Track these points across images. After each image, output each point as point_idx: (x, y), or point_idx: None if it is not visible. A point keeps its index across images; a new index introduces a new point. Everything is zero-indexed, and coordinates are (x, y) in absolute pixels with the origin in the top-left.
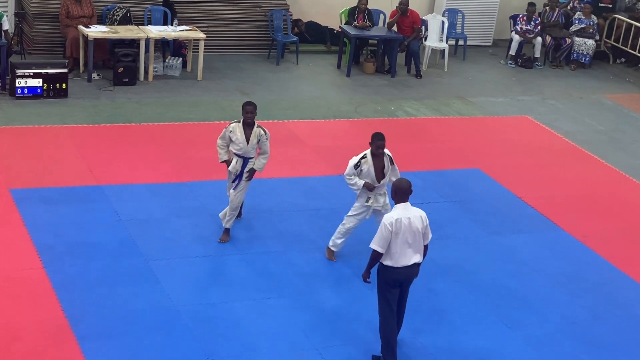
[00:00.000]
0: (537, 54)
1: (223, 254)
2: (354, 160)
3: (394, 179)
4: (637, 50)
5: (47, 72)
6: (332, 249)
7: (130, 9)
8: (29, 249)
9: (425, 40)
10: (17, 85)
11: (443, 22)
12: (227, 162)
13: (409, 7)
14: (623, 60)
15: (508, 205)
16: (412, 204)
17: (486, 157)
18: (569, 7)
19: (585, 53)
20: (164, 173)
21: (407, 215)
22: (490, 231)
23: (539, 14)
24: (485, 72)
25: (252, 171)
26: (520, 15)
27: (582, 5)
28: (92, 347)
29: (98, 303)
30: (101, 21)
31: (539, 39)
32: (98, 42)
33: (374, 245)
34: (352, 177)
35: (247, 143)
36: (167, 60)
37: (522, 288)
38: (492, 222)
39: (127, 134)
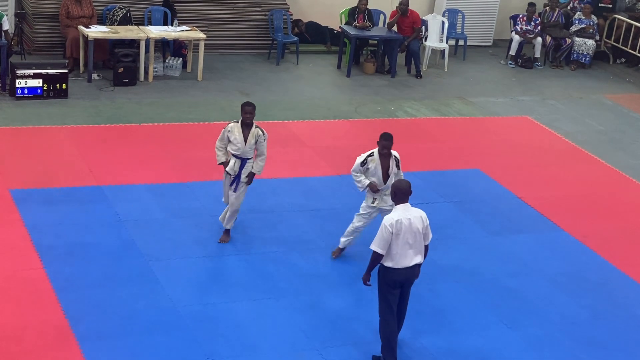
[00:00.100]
0: (537, 54)
1: (223, 254)
2: (362, 157)
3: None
4: (637, 51)
5: (47, 73)
6: (339, 246)
7: (131, 9)
8: (29, 250)
9: (425, 40)
10: (17, 85)
11: (443, 22)
12: (225, 164)
13: (409, 8)
14: (623, 60)
15: (508, 205)
16: (412, 205)
17: (486, 158)
18: (569, 7)
19: (585, 53)
20: (164, 173)
21: (408, 216)
22: (491, 231)
23: (539, 14)
24: (486, 72)
25: (252, 175)
26: (521, 16)
27: (582, 6)
28: (93, 347)
29: (98, 303)
30: (101, 21)
31: (539, 39)
32: (98, 42)
33: (374, 246)
34: (359, 174)
35: (245, 143)
36: (167, 61)
37: (522, 288)
38: (492, 222)
39: (128, 134)
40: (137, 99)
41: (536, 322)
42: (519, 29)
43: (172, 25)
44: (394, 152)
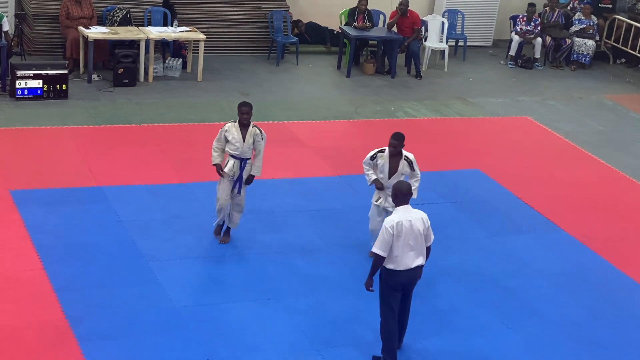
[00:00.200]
0: (537, 55)
1: (223, 255)
2: (374, 151)
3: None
4: (637, 51)
5: (47, 73)
6: None
7: (130, 10)
8: (29, 250)
9: (425, 41)
10: (17, 86)
11: (443, 23)
12: (219, 167)
13: (409, 8)
14: (623, 60)
15: (508, 205)
16: (411, 205)
17: (486, 158)
18: (569, 8)
19: (585, 53)
20: (164, 174)
21: (408, 217)
22: (491, 232)
23: (539, 15)
24: (485, 72)
25: (251, 177)
26: (520, 16)
27: (582, 6)
28: (93, 347)
29: (98, 304)
30: (101, 22)
31: (539, 39)
32: (98, 43)
33: (376, 249)
34: (369, 168)
35: (244, 143)
36: (167, 61)
37: (522, 288)
38: (492, 222)
39: (127, 135)
40: (137, 100)
41: (536, 322)
42: (518, 30)
43: (172, 26)
44: (407, 154)
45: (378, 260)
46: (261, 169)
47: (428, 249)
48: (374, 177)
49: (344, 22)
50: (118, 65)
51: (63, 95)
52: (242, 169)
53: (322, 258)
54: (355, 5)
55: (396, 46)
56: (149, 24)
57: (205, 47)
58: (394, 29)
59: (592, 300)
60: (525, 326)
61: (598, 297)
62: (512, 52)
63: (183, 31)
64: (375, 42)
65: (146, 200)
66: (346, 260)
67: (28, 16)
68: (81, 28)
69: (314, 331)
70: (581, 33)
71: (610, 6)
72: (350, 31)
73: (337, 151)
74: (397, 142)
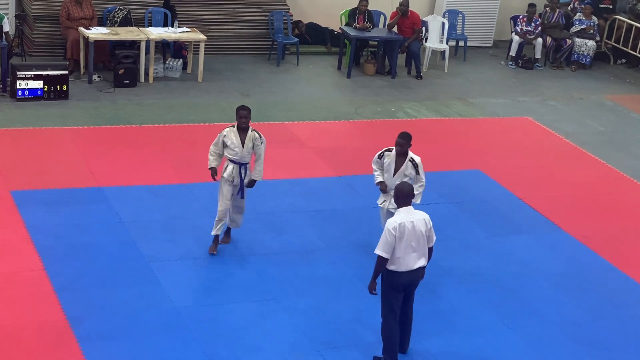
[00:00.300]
0: (538, 55)
1: (224, 255)
2: (382, 150)
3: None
4: (637, 51)
5: (47, 74)
6: None
7: (131, 10)
8: (29, 251)
9: (425, 41)
10: (18, 87)
11: (443, 23)
12: (214, 170)
13: (409, 9)
14: (624, 61)
15: (509, 206)
16: (413, 206)
17: (487, 158)
18: (569, 8)
19: (585, 54)
20: (164, 174)
21: (411, 219)
22: (491, 232)
23: (540, 15)
24: (486, 73)
25: (253, 181)
26: (521, 16)
27: (583, 6)
28: (93, 348)
29: (99, 304)
30: (102, 23)
31: (540, 40)
32: (98, 43)
33: (379, 251)
34: (376, 168)
35: (243, 147)
36: (167, 62)
37: (522, 289)
38: (492, 223)
39: (128, 135)
40: (137, 100)
41: (537, 322)
42: (519, 30)
43: (172, 26)
44: (413, 156)
45: (381, 262)
46: (262, 173)
47: (430, 250)
48: (380, 179)
49: (344, 23)
50: (118, 65)
51: (63, 96)
52: (242, 173)
53: (322, 258)
54: (355, 5)
55: (396, 47)
56: (150, 25)
57: (205, 47)
58: (395, 29)
59: (592, 300)
60: (525, 326)
61: (598, 297)
62: (513, 53)
63: (183, 32)
64: (376, 43)
65: (146, 200)
66: (346, 260)
67: (28, 17)
68: (82, 29)
69: (314, 332)
70: (582, 33)
71: (611, 7)
72: (351, 32)
73: (337, 152)
74: (403, 141)
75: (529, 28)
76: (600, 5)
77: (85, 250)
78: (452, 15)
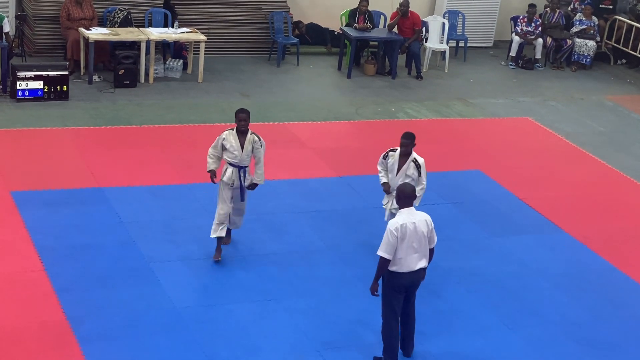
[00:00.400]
0: (538, 55)
1: (224, 256)
2: (386, 151)
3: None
4: (637, 52)
5: (47, 75)
6: None
7: (131, 11)
8: (30, 251)
9: (425, 41)
10: (18, 87)
11: (444, 24)
12: (212, 173)
13: (410, 9)
14: (624, 61)
15: (509, 206)
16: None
17: (487, 159)
18: (569, 8)
19: (586, 54)
20: (164, 175)
21: (412, 220)
22: (491, 233)
23: (540, 16)
24: (486, 73)
25: (254, 184)
26: (521, 17)
27: (583, 7)
28: (93, 348)
29: (99, 305)
30: (102, 23)
31: (540, 40)
32: (99, 44)
33: (381, 252)
34: (381, 169)
35: (242, 150)
36: (167, 62)
37: (523, 289)
38: (493, 223)
39: (128, 136)
40: (137, 101)
41: (537, 323)
42: (519, 30)
43: (172, 27)
44: (416, 157)
45: (383, 263)
46: (264, 177)
47: (431, 251)
48: (384, 180)
49: (344, 23)
50: (119, 66)
51: (64, 96)
52: (241, 177)
53: (323, 259)
54: (355, 6)
55: (397, 47)
56: (150, 25)
57: (205, 48)
58: (395, 29)
59: (592, 300)
60: (525, 326)
61: (598, 297)
62: (513, 53)
63: (184, 32)
64: (376, 43)
65: (147, 201)
66: (347, 261)
67: (29, 17)
68: (82, 29)
69: (314, 332)
70: (582, 34)
71: (611, 7)
72: (351, 32)
73: (337, 152)
74: (407, 141)
75: (529, 28)
76: (600, 6)
77: (86, 251)
78: (453, 15)
